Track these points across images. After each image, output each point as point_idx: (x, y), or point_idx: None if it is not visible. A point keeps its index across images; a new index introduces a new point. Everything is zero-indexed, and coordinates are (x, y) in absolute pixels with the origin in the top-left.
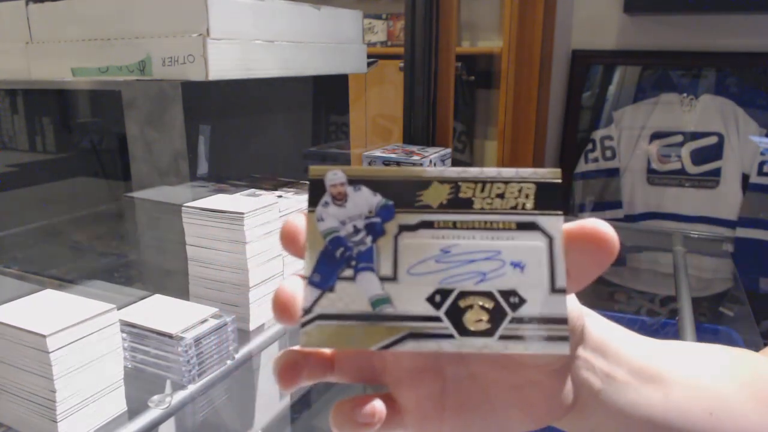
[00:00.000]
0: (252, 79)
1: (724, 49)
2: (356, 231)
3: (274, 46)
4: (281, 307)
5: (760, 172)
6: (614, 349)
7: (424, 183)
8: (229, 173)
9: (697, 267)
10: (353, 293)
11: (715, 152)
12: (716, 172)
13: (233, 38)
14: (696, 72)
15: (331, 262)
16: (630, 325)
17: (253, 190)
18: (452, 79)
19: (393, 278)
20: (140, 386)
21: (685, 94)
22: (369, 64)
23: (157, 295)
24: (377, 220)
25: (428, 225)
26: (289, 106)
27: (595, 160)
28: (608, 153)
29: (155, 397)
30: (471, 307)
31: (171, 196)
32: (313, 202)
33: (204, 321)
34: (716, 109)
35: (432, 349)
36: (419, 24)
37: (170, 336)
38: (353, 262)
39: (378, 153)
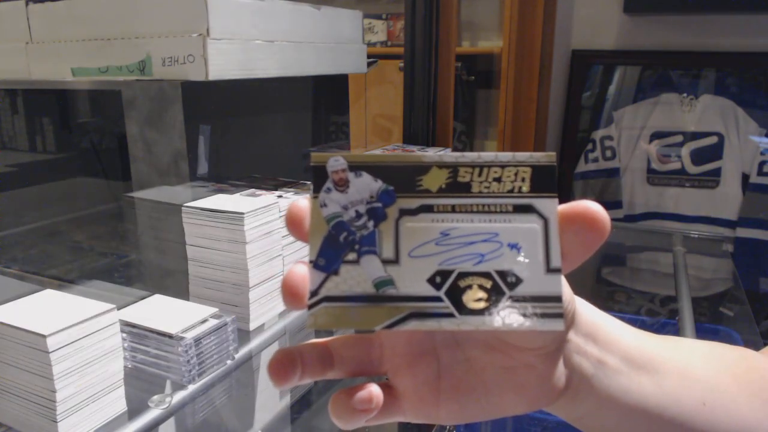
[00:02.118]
0: (252, 79)
1: (724, 49)
2: (358, 216)
3: (274, 46)
4: (290, 292)
5: (760, 172)
6: (606, 335)
7: (424, 168)
8: (229, 173)
9: (697, 267)
10: (357, 276)
11: (715, 152)
12: (716, 172)
13: (233, 38)
14: (696, 72)
15: (335, 246)
16: (630, 324)
17: (253, 190)
18: (452, 79)
19: (395, 261)
20: (140, 386)
21: (685, 94)
22: (369, 64)
23: (157, 295)
24: (379, 204)
25: (428, 209)
26: (289, 106)
27: (595, 160)
28: (608, 153)
29: (155, 397)
30: (470, 287)
31: (171, 196)
32: (316, 189)
33: (204, 321)
34: (716, 109)
35: (433, 327)
36: (419, 24)
37: (170, 336)
38: (356, 246)
39: (378, 153)
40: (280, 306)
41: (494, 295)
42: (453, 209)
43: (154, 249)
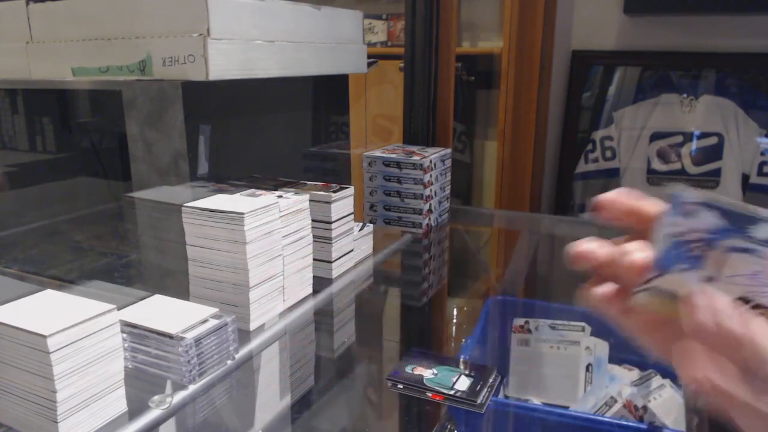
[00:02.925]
0: (252, 79)
1: (724, 49)
2: (696, 240)
3: (274, 46)
4: (581, 257)
5: (760, 173)
6: None
7: (757, 220)
8: (229, 173)
9: None
10: (677, 281)
11: (715, 153)
12: (716, 173)
13: (233, 38)
14: (696, 73)
15: (671, 255)
16: None
17: (253, 190)
18: (452, 79)
19: (711, 279)
20: (140, 386)
21: (685, 95)
22: (369, 64)
23: (157, 296)
24: (714, 236)
25: (750, 252)
26: (289, 106)
27: (595, 160)
28: (608, 153)
29: (156, 398)
30: (761, 314)
31: (171, 196)
32: (669, 211)
33: (204, 321)
34: (716, 109)
35: None
36: (419, 24)
37: (170, 336)
38: (686, 261)
39: (378, 153)
40: (281, 306)
41: None
42: None
43: (154, 249)
